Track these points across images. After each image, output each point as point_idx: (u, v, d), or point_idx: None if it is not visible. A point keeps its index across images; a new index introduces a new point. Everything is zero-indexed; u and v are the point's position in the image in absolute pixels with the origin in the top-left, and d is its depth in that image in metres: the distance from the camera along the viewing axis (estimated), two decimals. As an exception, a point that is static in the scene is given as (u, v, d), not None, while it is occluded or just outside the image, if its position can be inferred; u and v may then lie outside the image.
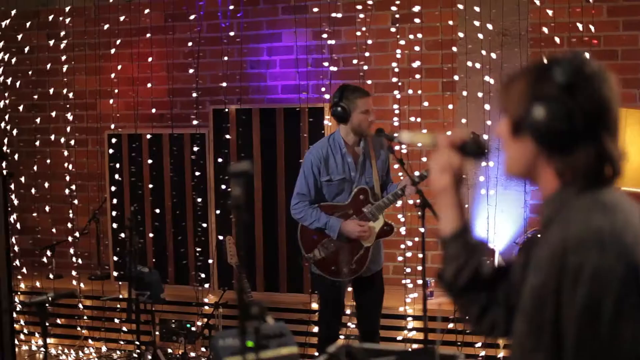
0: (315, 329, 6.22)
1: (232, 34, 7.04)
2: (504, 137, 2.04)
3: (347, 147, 5.31)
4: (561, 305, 1.83)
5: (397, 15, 6.71)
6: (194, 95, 7.14)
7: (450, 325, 6.04)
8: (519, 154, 2.02)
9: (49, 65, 7.68)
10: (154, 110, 7.25)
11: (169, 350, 6.63)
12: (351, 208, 5.30)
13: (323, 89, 6.82)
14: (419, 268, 6.25)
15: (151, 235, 7.12)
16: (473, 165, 2.16)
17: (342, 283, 5.36)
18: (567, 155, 1.93)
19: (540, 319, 1.87)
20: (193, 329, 6.69)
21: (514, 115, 1.99)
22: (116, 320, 6.96)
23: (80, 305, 7.08)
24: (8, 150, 7.82)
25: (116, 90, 7.44)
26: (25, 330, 7.32)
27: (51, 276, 7.25)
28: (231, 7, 7.05)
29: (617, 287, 1.76)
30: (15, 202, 7.90)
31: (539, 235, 2.02)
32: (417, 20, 6.63)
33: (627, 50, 6.44)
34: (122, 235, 7.08)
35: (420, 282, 6.23)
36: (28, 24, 7.76)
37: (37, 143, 7.80)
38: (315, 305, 6.32)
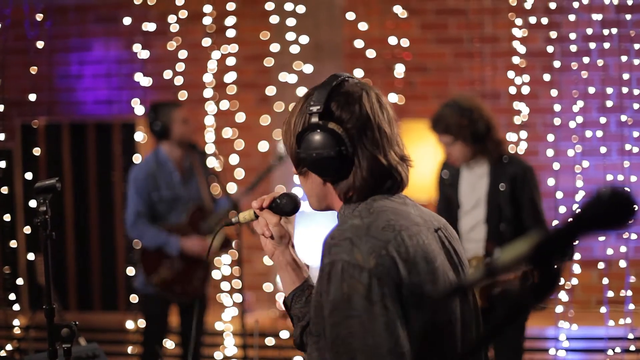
0: (129, 349, 6.11)
1: (40, 43, 6.71)
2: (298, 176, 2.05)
3: (173, 163, 5.19)
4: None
5: (209, 30, 6.61)
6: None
7: (268, 341, 6.05)
8: (310, 189, 2.03)
9: None
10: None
11: (-24, 378, 6.35)
12: (188, 226, 5.17)
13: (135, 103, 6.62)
14: (234, 283, 6.24)
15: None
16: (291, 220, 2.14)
17: (168, 302, 5.21)
18: (347, 178, 1.94)
19: (320, 324, 1.88)
20: (2, 353, 6.43)
21: (291, 154, 2.00)
22: None
23: None
24: None
25: None
26: None
27: None
28: (39, 17, 6.73)
29: (367, 281, 1.78)
30: None
31: None
32: (231, 33, 6.54)
33: (437, 65, 6.63)
34: None
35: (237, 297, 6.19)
36: None
37: None
38: (129, 325, 6.19)
